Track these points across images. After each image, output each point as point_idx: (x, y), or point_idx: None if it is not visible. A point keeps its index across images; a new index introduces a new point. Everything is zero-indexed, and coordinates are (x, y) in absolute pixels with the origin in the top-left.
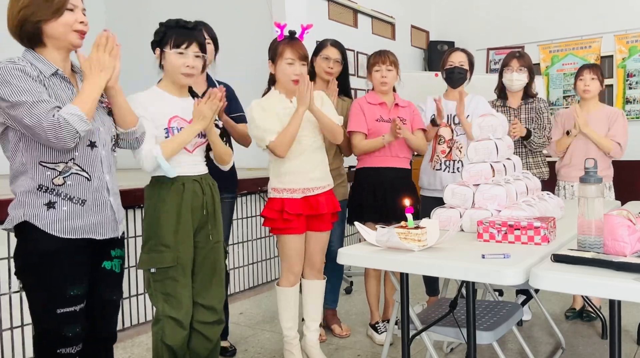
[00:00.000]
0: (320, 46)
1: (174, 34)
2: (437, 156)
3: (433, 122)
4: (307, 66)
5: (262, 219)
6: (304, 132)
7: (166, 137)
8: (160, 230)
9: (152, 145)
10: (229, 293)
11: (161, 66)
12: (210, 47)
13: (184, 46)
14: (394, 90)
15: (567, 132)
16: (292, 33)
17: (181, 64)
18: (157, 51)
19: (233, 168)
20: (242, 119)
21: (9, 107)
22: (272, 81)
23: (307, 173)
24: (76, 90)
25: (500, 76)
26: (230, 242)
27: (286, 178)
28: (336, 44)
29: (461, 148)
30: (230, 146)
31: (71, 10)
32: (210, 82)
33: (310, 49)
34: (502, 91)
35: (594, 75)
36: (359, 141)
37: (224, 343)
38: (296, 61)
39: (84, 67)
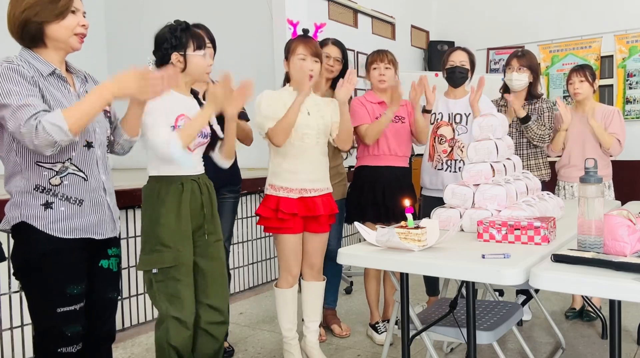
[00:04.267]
0: (321, 45)
1: (191, 36)
2: (439, 155)
3: (423, 109)
4: (320, 63)
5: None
6: (307, 131)
7: None
8: (160, 230)
9: (170, 134)
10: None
11: (158, 67)
12: (210, 50)
13: (203, 47)
14: None
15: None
16: (305, 31)
17: (205, 64)
18: (175, 55)
19: (237, 168)
20: (242, 116)
21: None
22: (287, 80)
23: (305, 173)
24: (73, 90)
25: (504, 76)
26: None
27: (284, 176)
28: (337, 43)
29: (463, 147)
30: None
31: (73, 13)
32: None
33: None
34: (506, 91)
35: (582, 77)
36: (365, 129)
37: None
38: (308, 57)
39: (115, 77)
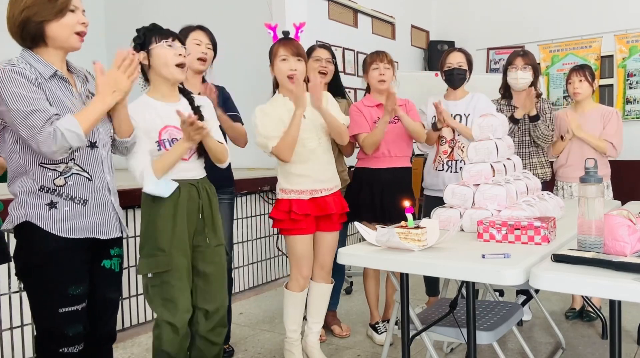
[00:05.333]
0: (310, 50)
1: (155, 33)
2: (440, 156)
3: (434, 126)
4: (304, 62)
5: (268, 220)
6: (307, 135)
7: (158, 150)
8: (156, 234)
9: (145, 168)
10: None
11: (144, 73)
12: (210, 53)
13: (170, 39)
14: None
15: (562, 137)
16: (285, 34)
17: (172, 54)
18: (141, 54)
19: (229, 169)
20: (237, 119)
21: (4, 112)
22: (276, 85)
23: (314, 176)
24: (75, 90)
25: (505, 75)
26: None
27: (294, 180)
28: (324, 46)
29: (463, 147)
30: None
31: (72, 11)
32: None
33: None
34: (506, 90)
35: (581, 77)
36: (364, 138)
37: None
38: (289, 57)
39: (98, 82)
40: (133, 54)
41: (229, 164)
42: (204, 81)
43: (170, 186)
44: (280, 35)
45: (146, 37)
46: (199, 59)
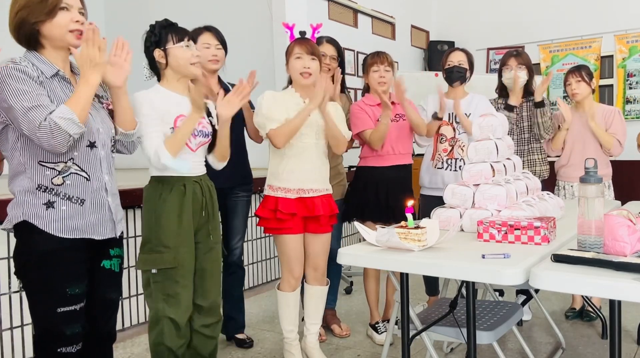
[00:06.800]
0: (317, 44)
1: (171, 31)
2: (439, 154)
3: (434, 116)
4: (318, 61)
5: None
6: (305, 131)
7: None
8: (161, 230)
9: (158, 145)
10: None
11: (154, 68)
12: (220, 53)
13: (186, 39)
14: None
15: (559, 127)
16: (302, 33)
17: (190, 55)
18: (157, 51)
19: (248, 167)
20: (252, 106)
21: (6, 109)
22: (290, 83)
23: (303, 173)
24: None
25: (500, 76)
26: None
27: (282, 176)
28: (332, 41)
29: (463, 146)
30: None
31: (66, 10)
32: (223, 85)
33: None
34: (502, 90)
35: (578, 77)
36: (370, 134)
37: (240, 336)
38: (304, 55)
39: (78, 64)
40: (90, 23)
41: (247, 161)
42: (219, 80)
43: (184, 164)
44: (297, 35)
45: (161, 35)
46: (209, 61)
